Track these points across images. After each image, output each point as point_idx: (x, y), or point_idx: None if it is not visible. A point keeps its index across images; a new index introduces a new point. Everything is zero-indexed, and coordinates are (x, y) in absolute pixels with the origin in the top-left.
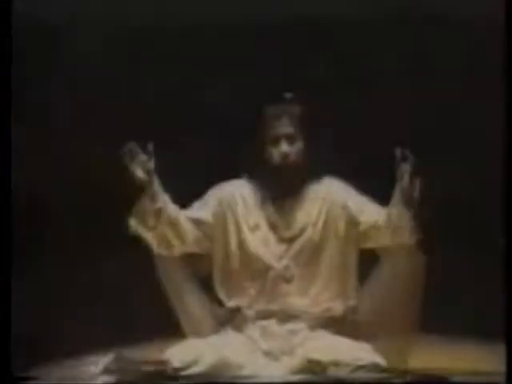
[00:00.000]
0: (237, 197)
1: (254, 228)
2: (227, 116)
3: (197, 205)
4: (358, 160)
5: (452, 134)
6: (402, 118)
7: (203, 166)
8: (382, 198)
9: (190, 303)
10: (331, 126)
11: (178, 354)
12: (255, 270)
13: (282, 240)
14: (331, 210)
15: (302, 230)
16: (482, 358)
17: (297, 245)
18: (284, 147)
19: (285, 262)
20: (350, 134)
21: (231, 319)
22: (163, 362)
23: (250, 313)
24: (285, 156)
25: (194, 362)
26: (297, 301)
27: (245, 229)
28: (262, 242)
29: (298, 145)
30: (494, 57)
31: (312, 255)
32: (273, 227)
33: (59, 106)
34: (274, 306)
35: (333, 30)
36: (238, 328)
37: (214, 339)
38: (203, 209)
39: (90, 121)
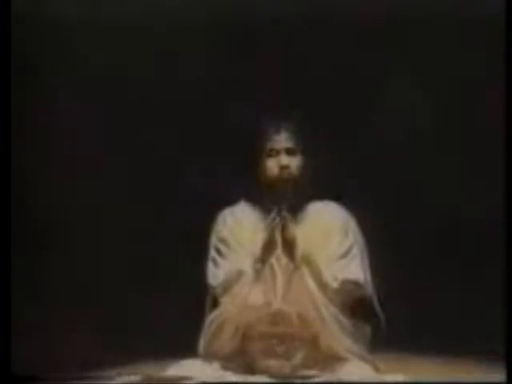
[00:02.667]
0: (238, 228)
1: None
2: (227, 127)
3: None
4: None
5: (452, 135)
6: (401, 118)
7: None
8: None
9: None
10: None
11: (178, 372)
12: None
13: (279, 264)
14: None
15: (296, 257)
16: (482, 375)
17: (290, 272)
18: (284, 159)
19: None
20: (349, 134)
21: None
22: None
23: (252, 334)
24: (284, 168)
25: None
26: (295, 322)
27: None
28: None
29: (298, 159)
30: (493, 57)
31: (302, 279)
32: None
33: (60, 106)
34: (275, 328)
35: (332, 31)
36: (240, 348)
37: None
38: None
39: (91, 121)
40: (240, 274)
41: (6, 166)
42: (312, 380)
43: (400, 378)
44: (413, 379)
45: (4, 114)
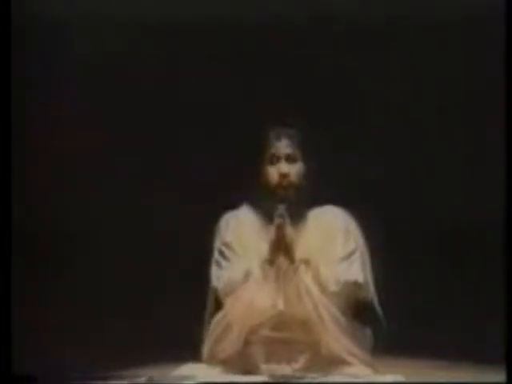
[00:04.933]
0: (241, 231)
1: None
2: (228, 131)
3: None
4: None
5: (452, 135)
6: (401, 119)
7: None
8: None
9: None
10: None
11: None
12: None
13: (279, 271)
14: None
15: (295, 261)
16: (482, 375)
17: (291, 276)
18: (283, 167)
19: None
20: (349, 136)
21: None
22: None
23: (254, 338)
24: (284, 175)
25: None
26: (297, 325)
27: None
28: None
29: (298, 166)
30: (493, 56)
31: (302, 282)
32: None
33: (60, 106)
34: (278, 332)
35: (332, 32)
36: (243, 351)
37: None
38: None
39: (91, 121)
40: (247, 274)
41: (6, 166)
42: (312, 381)
43: (400, 378)
44: (413, 380)
45: (4, 114)
